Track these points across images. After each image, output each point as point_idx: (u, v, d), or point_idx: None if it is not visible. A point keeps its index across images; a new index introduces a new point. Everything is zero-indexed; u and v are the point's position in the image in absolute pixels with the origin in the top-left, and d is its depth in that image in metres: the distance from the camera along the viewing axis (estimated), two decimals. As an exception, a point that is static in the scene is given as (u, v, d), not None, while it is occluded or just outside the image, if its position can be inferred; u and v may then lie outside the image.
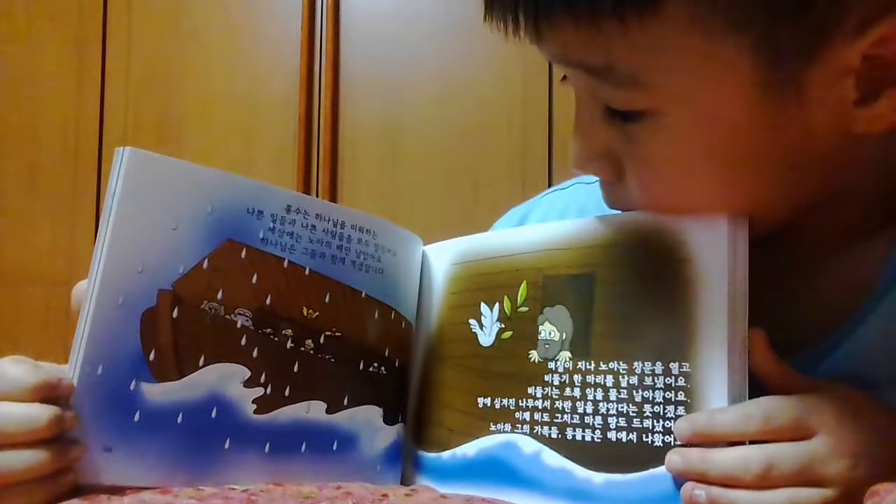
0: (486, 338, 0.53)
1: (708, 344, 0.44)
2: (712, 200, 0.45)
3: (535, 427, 0.49)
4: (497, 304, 0.53)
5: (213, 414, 0.47)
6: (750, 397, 0.43)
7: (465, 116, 1.53)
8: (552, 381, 0.49)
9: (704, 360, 0.44)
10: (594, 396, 0.47)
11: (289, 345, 0.50)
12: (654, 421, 0.44)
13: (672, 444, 0.44)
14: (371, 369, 0.53)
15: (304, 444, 0.50)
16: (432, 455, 0.55)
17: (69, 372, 0.43)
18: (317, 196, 1.53)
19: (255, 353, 0.48)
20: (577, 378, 0.48)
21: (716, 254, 0.44)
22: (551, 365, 0.49)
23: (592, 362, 0.47)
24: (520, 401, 0.50)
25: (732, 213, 0.44)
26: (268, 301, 0.49)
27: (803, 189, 0.46)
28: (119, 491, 0.43)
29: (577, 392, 0.48)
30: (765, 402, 0.42)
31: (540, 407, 0.49)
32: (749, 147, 0.43)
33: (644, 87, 0.41)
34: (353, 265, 0.53)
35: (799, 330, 0.49)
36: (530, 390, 0.50)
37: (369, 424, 0.53)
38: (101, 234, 0.45)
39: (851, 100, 0.41)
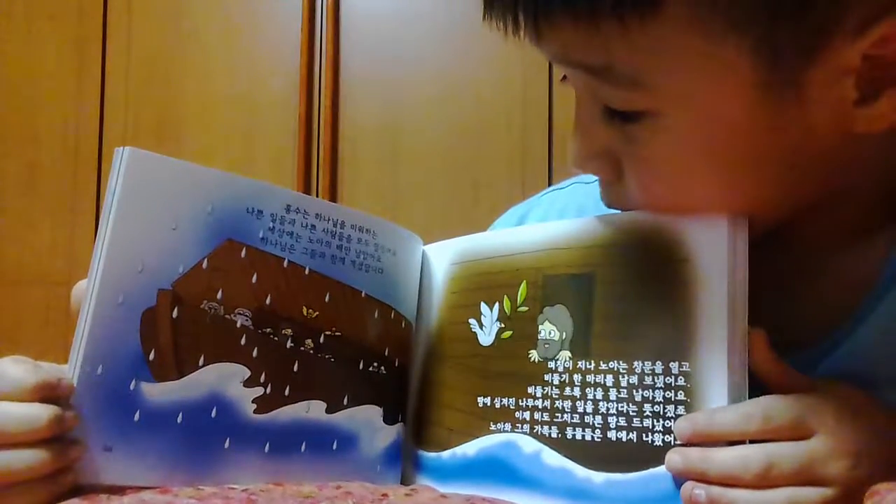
0: (486, 337, 0.53)
1: (708, 344, 0.44)
2: (712, 200, 0.45)
3: (535, 426, 0.49)
4: (497, 304, 0.53)
5: (213, 414, 0.47)
6: (750, 397, 0.43)
7: (465, 116, 1.53)
8: (552, 380, 0.49)
9: (704, 359, 0.44)
10: (594, 396, 0.47)
11: (289, 344, 0.50)
12: (654, 420, 0.45)
13: (672, 443, 0.44)
14: (371, 369, 0.53)
15: (303, 444, 0.50)
16: (432, 455, 0.55)
17: (69, 372, 0.44)
18: (317, 196, 1.53)
19: (254, 353, 0.49)
20: (577, 377, 0.48)
21: (715, 254, 0.44)
22: (551, 364, 0.49)
23: (592, 362, 0.48)
24: (520, 400, 0.50)
25: (732, 213, 0.44)
26: (268, 301, 0.49)
27: (803, 189, 0.46)
28: (119, 491, 0.43)
29: (577, 391, 0.48)
30: (765, 401, 0.42)
31: (540, 406, 0.49)
32: (749, 147, 0.43)
33: (644, 87, 0.41)
34: (353, 265, 0.53)
35: (799, 330, 0.49)
36: (530, 390, 0.50)
37: (369, 424, 0.53)
38: (101, 233, 0.45)
39: (851, 100, 0.41)
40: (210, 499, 0.42)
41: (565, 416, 0.48)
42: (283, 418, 0.49)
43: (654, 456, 0.44)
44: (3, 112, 1.70)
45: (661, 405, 0.44)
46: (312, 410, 0.50)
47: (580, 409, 0.48)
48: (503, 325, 0.52)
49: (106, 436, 0.44)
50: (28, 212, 1.68)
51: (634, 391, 0.45)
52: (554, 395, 0.49)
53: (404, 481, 0.55)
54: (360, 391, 0.53)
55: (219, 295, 0.48)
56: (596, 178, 0.51)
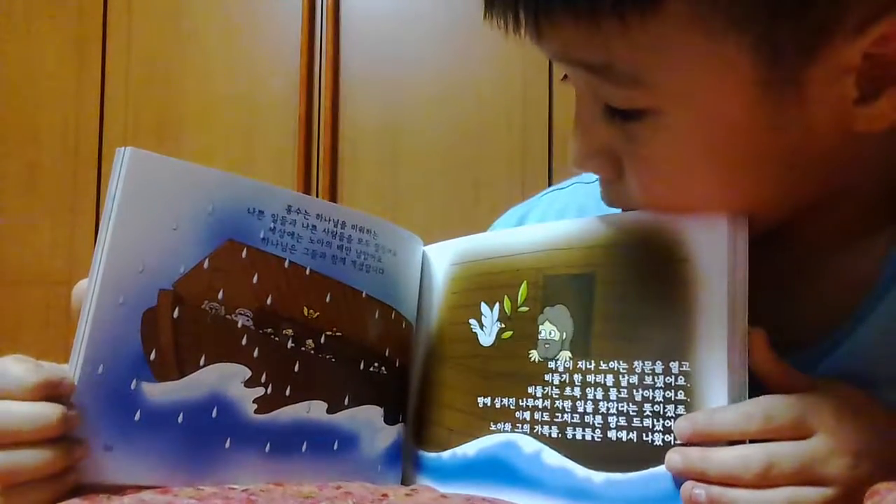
0: (487, 337, 0.53)
1: (708, 343, 0.44)
2: (712, 199, 0.45)
3: (536, 426, 0.49)
4: (497, 304, 0.53)
5: (214, 413, 0.47)
6: (750, 397, 0.43)
7: (465, 116, 1.53)
8: (552, 380, 0.49)
9: (704, 359, 0.44)
10: (594, 396, 0.47)
11: (289, 345, 0.50)
12: (654, 420, 0.45)
13: (672, 443, 0.44)
14: (371, 369, 0.53)
15: (304, 444, 0.50)
16: (433, 455, 0.55)
17: (70, 371, 0.44)
18: (317, 196, 1.53)
19: (255, 353, 0.49)
20: (577, 377, 0.48)
21: (715, 253, 0.44)
22: (551, 364, 0.49)
23: (592, 362, 0.48)
24: (520, 400, 0.50)
25: (732, 213, 0.44)
26: (268, 301, 0.49)
27: (803, 188, 0.46)
28: (119, 490, 0.43)
29: (577, 391, 0.48)
30: (765, 401, 0.42)
31: (540, 406, 0.49)
32: (749, 146, 0.43)
33: (644, 85, 0.41)
34: (354, 265, 0.53)
35: (799, 329, 0.49)
36: (530, 390, 0.50)
37: (370, 424, 0.53)
38: (102, 233, 0.45)
39: (852, 98, 0.41)
40: (210, 499, 0.42)
41: (565, 415, 0.48)
42: (284, 418, 0.49)
43: (654, 456, 0.44)
44: (3, 112, 1.70)
45: (662, 405, 0.45)
46: (313, 411, 0.50)
47: (580, 409, 0.48)
48: (503, 326, 0.52)
49: (106, 435, 0.44)
50: (28, 212, 1.68)
51: (634, 391, 0.45)
52: (554, 395, 0.49)
53: (405, 481, 0.55)
54: (360, 391, 0.53)
55: (220, 295, 0.48)
56: (596, 177, 0.51)
